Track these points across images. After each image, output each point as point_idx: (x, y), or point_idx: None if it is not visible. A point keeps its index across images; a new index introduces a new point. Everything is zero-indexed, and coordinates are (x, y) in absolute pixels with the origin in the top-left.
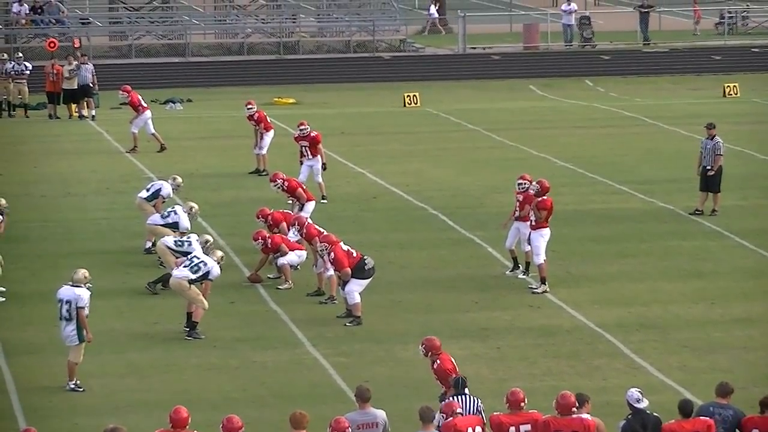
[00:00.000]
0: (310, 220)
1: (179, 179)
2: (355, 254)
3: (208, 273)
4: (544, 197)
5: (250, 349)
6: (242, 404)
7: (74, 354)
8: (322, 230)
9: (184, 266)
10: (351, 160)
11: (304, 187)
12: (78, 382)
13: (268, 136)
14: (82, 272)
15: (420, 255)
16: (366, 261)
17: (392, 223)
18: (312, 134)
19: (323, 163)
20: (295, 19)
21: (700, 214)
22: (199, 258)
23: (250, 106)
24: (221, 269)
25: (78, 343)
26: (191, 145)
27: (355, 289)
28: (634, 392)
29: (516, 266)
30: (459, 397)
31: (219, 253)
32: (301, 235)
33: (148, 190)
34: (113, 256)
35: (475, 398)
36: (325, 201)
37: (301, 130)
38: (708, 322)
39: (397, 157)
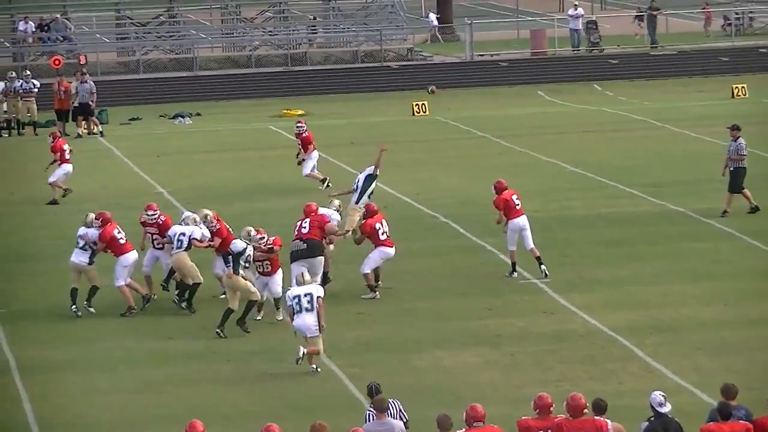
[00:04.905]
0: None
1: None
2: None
3: (191, 237)
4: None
5: (264, 361)
6: (258, 417)
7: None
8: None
9: (177, 248)
10: (361, 169)
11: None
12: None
13: (312, 158)
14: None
15: (432, 263)
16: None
17: (404, 233)
18: (304, 135)
19: (303, 159)
20: (301, 31)
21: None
22: (177, 232)
23: (299, 125)
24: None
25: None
26: (201, 158)
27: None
28: (658, 395)
29: (514, 270)
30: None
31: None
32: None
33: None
34: None
35: (394, 401)
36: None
37: (297, 127)
38: (721, 323)
39: (407, 166)
